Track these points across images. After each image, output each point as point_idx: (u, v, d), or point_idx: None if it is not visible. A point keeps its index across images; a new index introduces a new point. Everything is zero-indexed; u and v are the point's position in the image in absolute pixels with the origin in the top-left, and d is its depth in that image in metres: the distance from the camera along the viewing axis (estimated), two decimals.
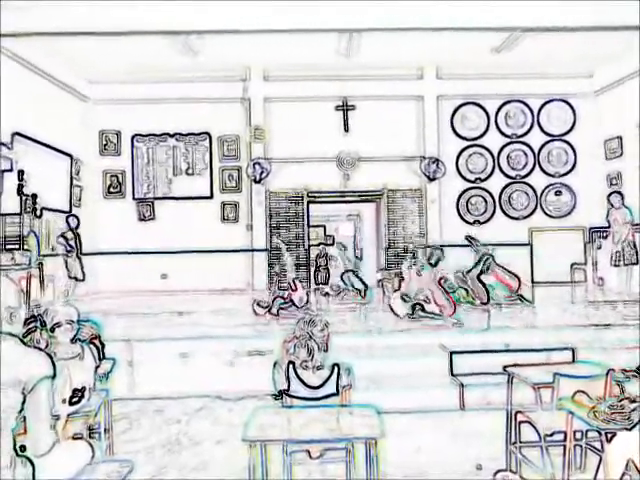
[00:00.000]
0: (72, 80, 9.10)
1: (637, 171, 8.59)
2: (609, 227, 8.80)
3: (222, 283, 9.20)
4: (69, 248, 8.33)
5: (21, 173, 7.37)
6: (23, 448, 2.16)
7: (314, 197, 10.03)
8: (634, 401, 2.72)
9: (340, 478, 3.00)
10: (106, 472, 2.43)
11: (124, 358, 4.96)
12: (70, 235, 8.41)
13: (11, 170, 7.18)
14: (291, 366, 3.08)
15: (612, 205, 8.72)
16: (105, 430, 3.53)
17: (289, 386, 3.07)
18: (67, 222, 8.53)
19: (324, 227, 12.49)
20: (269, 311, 6.68)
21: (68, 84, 9.00)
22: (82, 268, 8.47)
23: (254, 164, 9.69)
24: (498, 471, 3.40)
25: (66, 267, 8.29)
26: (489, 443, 3.63)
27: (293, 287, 6.94)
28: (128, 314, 6.85)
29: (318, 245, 10.96)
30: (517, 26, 7.42)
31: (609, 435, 2.62)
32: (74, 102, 9.27)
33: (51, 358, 2.30)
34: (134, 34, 7.03)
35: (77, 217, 8.72)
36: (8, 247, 7.03)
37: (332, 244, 12.19)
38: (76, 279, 8.40)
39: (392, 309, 6.24)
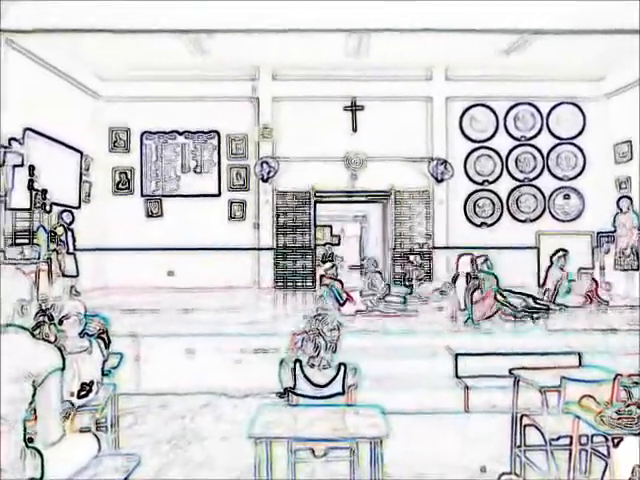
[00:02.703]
0: (84, 77, 9.17)
1: None
2: (614, 231, 8.78)
3: (228, 281, 9.23)
4: (59, 244, 7.88)
5: (32, 168, 7.44)
6: (31, 440, 2.19)
7: (321, 197, 10.05)
8: None
9: (344, 477, 3.00)
10: (113, 466, 2.45)
11: (131, 353, 5.00)
12: (60, 230, 8.00)
13: (22, 165, 7.25)
14: (298, 364, 3.09)
15: (620, 209, 8.68)
16: (111, 424, 3.55)
17: (295, 384, 3.08)
18: (61, 217, 8.14)
19: (330, 227, 12.50)
20: (324, 275, 6.67)
21: (80, 81, 9.08)
22: (76, 264, 8.06)
23: (262, 163, 9.72)
24: (502, 474, 3.39)
25: (58, 264, 7.77)
26: (494, 446, 3.63)
27: (349, 296, 6.68)
28: (135, 310, 6.89)
29: (324, 245, 11.00)
30: (527, 28, 7.39)
31: (616, 440, 2.61)
32: (85, 99, 9.35)
33: (60, 351, 2.33)
34: (145, 32, 7.08)
35: (72, 213, 8.36)
36: (18, 241, 7.09)
37: (338, 244, 12.21)
38: (68, 276, 7.90)
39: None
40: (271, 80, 9.78)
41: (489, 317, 6.00)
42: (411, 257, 8.53)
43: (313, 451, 2.87)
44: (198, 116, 9.69)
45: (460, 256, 6.64)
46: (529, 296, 6.53)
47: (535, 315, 6.21)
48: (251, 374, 4.85)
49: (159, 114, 9.64)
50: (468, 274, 6.29)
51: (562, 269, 7.44)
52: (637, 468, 2.45)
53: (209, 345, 5.23)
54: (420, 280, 8.12)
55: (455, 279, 6.54)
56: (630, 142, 9.11)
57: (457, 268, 6.54)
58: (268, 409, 3.01)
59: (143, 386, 4.96)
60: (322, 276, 7.00)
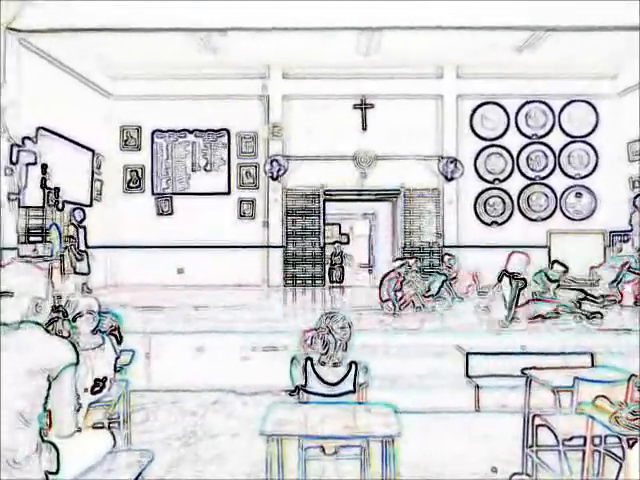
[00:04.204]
0: (95, 76, 9.24)
1: None
2: (631, 230, 8.66)
3: (238, 278, 9.27)
4: (71, 242, 7.94)
5: (44, 167, 7.51)
6: (46, 434, 2.22)
7: (330, 195, 10.04)
8: None
9: (354, 476, 3.00)
10: (127, 461, 2.48)
11: (142, 350, 5.03)
12: (72, 228, 8.09)
13: (35, 164, 7.32)
14: (309, 362, 3.09)
15: (637, 208, 8.57)
16: (124, 420, 3.58)
17: (306, 382, 3.09)
18: (73, 215, 8.22)
19: (339, 225, 12.48)
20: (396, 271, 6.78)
21: (91, 80, 9.15)
22: (88, 262, 8.16)
23: (271, 161, 9.73)
24: (514, 474, 3.37)
25: (70, 261, 7.90)
26: (505, 446, 3.61)
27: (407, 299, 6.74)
28: (146, 307, 6.94)
29: (334, 243, 10.99)
30: (540, 25, 7.33)
31: (630, 441, 2.58)
32: (97, 98, 9.42)
33: (74, 346, 2.35)
34: (157, 31, 7.11)
35: (83, 210, 8.44)
36: (31, 239, 7.17)
37: (347, 242, 12.18)
38: (80, 273, 8.02)
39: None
40: (281, 78, 9.79)
41: (536, 317, 5.89)
42: (445, 258, 8.48)
43: (324, 449, 2.87)
44: (208, 114, 9.72)
45: (512, 253, 6.35)
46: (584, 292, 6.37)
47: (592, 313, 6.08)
48: (261, 371, 4.87)
49: (170, 112, 9.69)
50: (513, 274, 6.04)
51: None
52: None
53: (219, 342, 5.25)
54: (451, 280, 8.05)
55: (501, 277, 6.28)
56: None
57: (506, 265, 6.28)
58: (279, 407, 3.01)
59: (154, 383, 5.00)
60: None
